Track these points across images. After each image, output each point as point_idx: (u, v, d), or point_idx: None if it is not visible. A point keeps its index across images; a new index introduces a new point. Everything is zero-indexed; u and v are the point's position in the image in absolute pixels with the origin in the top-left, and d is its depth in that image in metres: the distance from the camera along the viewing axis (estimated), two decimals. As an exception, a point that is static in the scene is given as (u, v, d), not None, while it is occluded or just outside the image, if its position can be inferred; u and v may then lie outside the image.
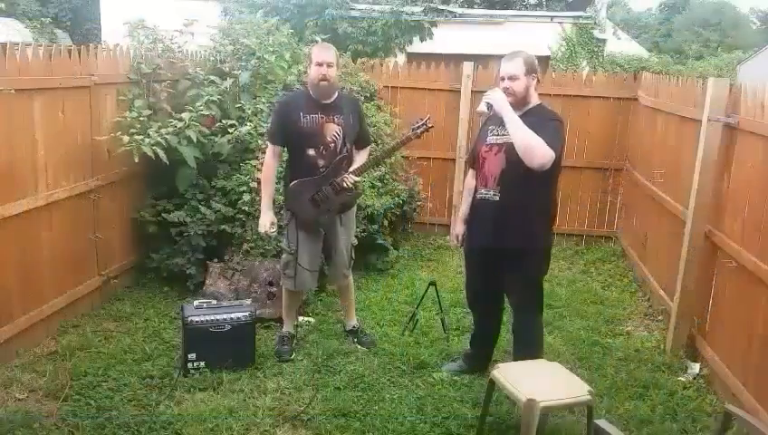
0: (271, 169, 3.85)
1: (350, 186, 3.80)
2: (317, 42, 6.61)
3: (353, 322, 4.26)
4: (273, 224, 3.86)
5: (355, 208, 4.14)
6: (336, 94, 3.80)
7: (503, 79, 3.38)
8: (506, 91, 3.35)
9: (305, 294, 4.45)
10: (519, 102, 3.37)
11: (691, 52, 30.75)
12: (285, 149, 3.87)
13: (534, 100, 3.40)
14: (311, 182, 3.77)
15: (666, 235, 4.93)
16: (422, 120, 3.84)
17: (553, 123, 3.30)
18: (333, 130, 3.76)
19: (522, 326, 3.59)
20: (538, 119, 3.30)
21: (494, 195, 3.41)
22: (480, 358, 3.84)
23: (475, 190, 3.57)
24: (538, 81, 3.41)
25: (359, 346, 4.12)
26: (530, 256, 3.43)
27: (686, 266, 4.18)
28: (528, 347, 3.52)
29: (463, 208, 3.78)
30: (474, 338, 3.93)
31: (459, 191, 6.76)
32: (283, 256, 3.98)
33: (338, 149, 3.79)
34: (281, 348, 3.99)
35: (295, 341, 4.11)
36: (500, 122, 3.42)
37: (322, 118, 3.73)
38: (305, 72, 3.83)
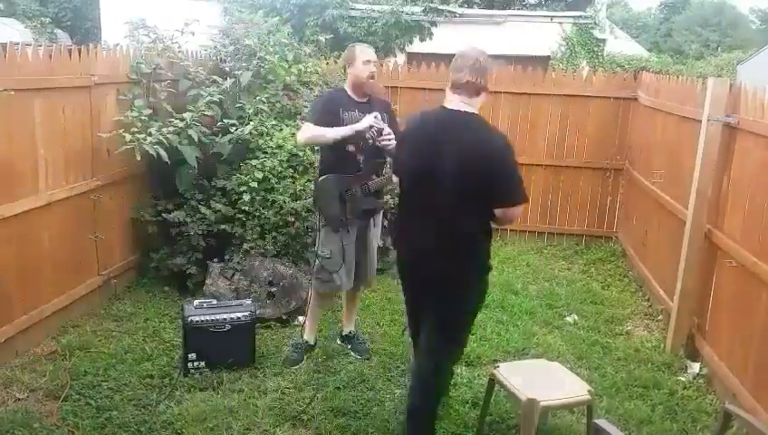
0: (316, 127, 3.67)
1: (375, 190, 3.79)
2: (319, 41, 6.64)
3: (351, 327, 4.21)
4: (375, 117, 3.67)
5: (381, 213, 4.12)
6: (369, 95, 3.83)
7: None
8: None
9: (333, 299, 4.38)
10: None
11: (691, 52, 30.76)
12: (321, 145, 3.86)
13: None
14: (343, 179, 3.75)
15: (666, 235, 4.93)
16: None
17: None
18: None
19: (434, 368, 2.98)
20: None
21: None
22: None
23: None
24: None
25: (352, 353, 4.07)
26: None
27: (686, 266, 4.18)
28: (430, 387, 2.98)
29: None
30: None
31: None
32: (317, 260, 3.88)
33: (375, 147, 3.74)
34: (292, 355, 3.94)
35: (308, 351, 4.02)
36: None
37: (361, 115, 3.73)
38: (343, 70, 3.87)
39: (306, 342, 4.04)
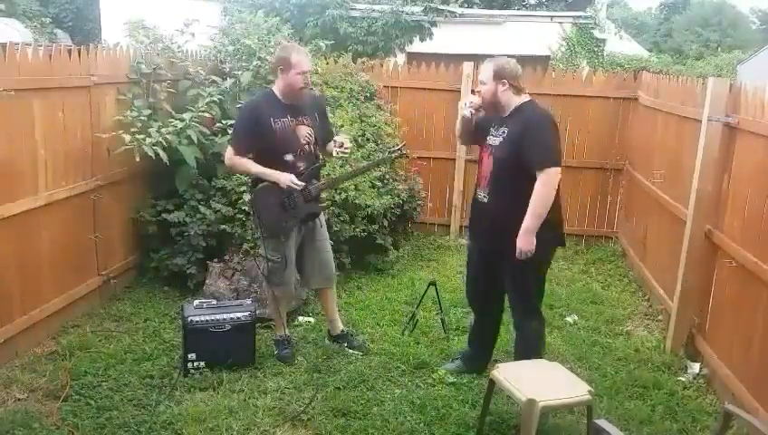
0: (242, 159, 3.67)
1: (345, 153, 3.90)
2: (321, 47, 6.62)
3: (341, 326, 4.18)
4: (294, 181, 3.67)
5: (324, 218, 4.11)
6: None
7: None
8: (478, 93, 3.46)
9: (295, 299, 4.44)
10: (491, 107, 3.44)
11: (691, 52, 30.72)
12: (255, 155, 3.73)
13: (515, 101, 3.39)
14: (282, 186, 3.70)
15: (666, 235, 4.93)
16: (399, 146, 4.05)
17: (536, 129, 3.29)
18: (305, 132, 3.73)
19: (519, 326, 3.60)
20: (523, 125, 3.30)
21: (484, 196, 3.45)
22: (479, 358, 3.84)
23: (475, 188, 3.59)
24: (514, 87, 3.37)
25: (350, 350, 4.05)
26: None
27: (686, 266, 4.17)
28: (525, 347, 3.53)
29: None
30: (471, 337, 3.93)
31: (459, 191, 6.77)
32: (268, 264, 3.83)
33: (312, 151, 3.78)
34: (282, 353, 3.96)
35: (291, 343, 4.07)
36: (498, 121, 3.46)
37: (293, 121, 3.68)
38: (273, 73, 3.67)
39: (283, 335, 4.02)
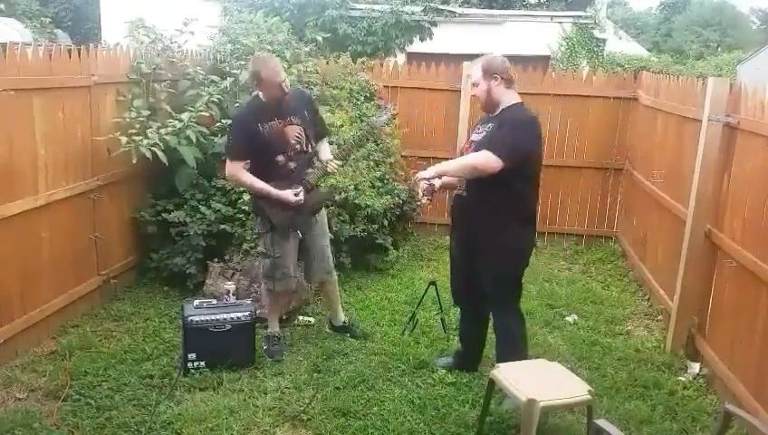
0: (246, 173, 3.77)
1: (334, 171, 3.92)
2: (317, 40, 6.62)
3: (342, 317, 4.29)
4: (295, 193, 3.76)
5: (325, 211, 4.18)
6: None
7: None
8: (475, 98, 3.48)
9: (295, 300, 4.47)
10: (488, 106, 3.41)
11: (691, 52, 30.71)
12: (250, 159, 3.82)
13: (508, 100, 3.36)
14: (282, 186, 3.75)
15: (666, 234, 4.93)
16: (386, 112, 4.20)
17: (509, 126, 3.24)
18: (295, 132, 3.79)
19: (497, 325, 3.58)
20: (501, 121, 3.30)
21: (464, 191, 3.46)
22: (468, 356, 3.82)
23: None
24: (506, 80, 3.33)
25: (352, 340, 4.15)
26: (496, 253, 3.37)
27: (686, 266, 4.17)
28: (505, 346, 3.49)
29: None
30: (461, 336, 3.93)
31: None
32: (266, 261, 3.91)
33: (304, 148, 3.84)
34: (271, 348, 3.98)
35: (282, 340, 4.08)
36: (485, 121, 3.48)
37: (281, 122, 3.75)
38: (256, 84, 3.74)
39: (275, 332, 4.05)
